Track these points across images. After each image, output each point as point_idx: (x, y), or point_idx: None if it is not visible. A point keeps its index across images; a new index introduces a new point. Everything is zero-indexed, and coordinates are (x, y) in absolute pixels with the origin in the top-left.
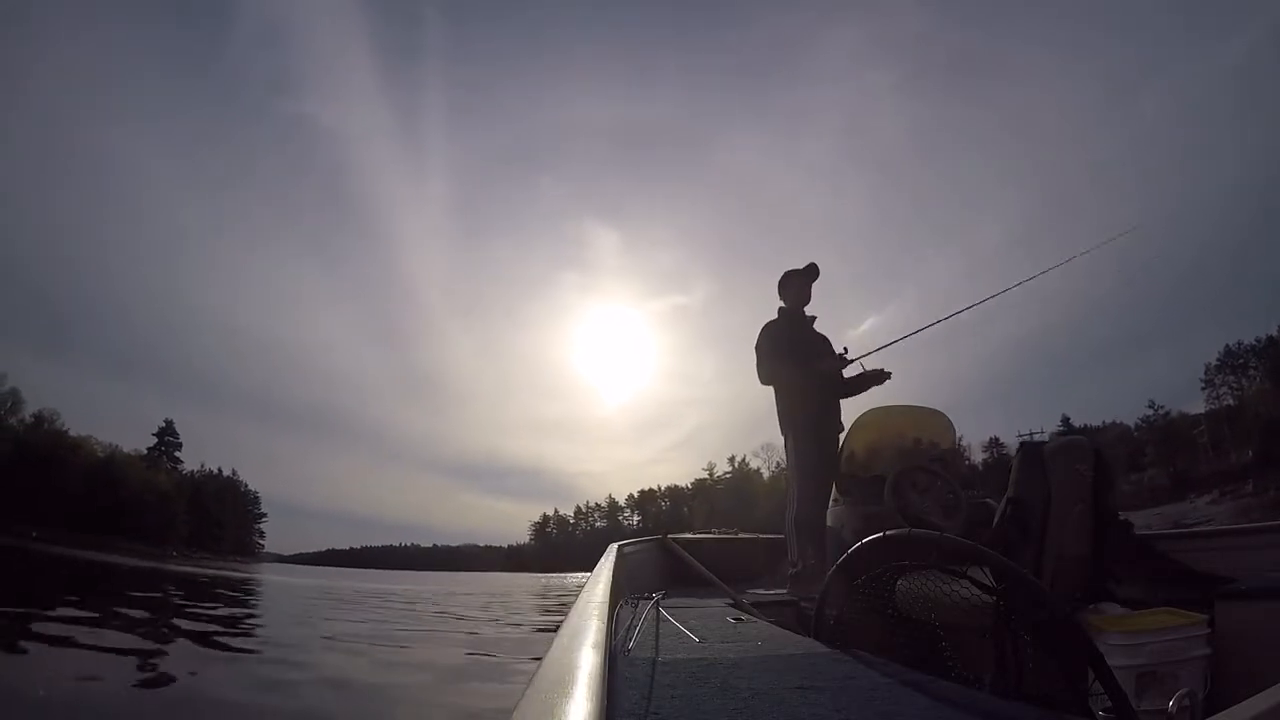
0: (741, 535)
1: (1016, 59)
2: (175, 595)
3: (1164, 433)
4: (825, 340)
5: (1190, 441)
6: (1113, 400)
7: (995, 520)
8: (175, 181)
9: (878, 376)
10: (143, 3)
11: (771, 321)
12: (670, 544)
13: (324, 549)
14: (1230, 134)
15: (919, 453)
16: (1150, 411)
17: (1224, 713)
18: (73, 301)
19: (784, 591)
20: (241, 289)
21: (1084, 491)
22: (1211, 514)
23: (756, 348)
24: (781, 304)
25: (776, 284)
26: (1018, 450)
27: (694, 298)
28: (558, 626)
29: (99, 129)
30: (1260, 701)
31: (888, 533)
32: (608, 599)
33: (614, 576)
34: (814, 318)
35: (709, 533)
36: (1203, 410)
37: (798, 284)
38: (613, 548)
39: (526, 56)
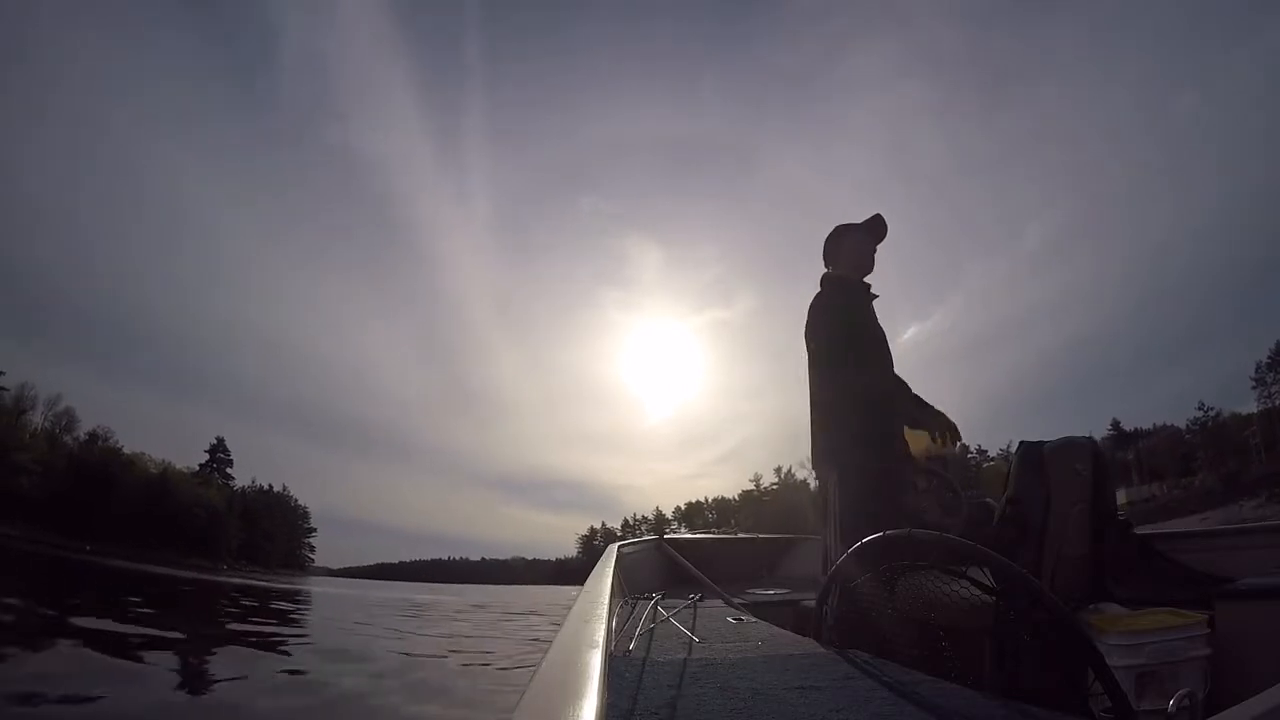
0: (741, 535)
1: (1052, 67)
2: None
3: (1214, 435)
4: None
5: (1242, 443)
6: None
7: (995, 520)
8: (221, 201)
9: (949, 430)
10: (184, 21)
11: (826, 294)
12: (667, 545)
13: (374, 563)
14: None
15: (919, 453)
16: (1200, 413)
17: (1224, 713)
18: (125, 323)
19: (784, 591)
20: (290, 307)
21: (1083, 491)
22: (1258, 518)
23: (808, 334)
24: (829, 270)
25: (823, 246)
26: (1017, 450)
27: (735, 311)
28: (558, 628)
29: (138, 144)
30: (1260, 702)
31: (887, 533)
32: (607, 600)
33: (613, 577)
34: (876, 296)
35: (709, 533)
36: (1255, 410)
37: (857, 244)
38: (612, 548)
39: (566, 76)
